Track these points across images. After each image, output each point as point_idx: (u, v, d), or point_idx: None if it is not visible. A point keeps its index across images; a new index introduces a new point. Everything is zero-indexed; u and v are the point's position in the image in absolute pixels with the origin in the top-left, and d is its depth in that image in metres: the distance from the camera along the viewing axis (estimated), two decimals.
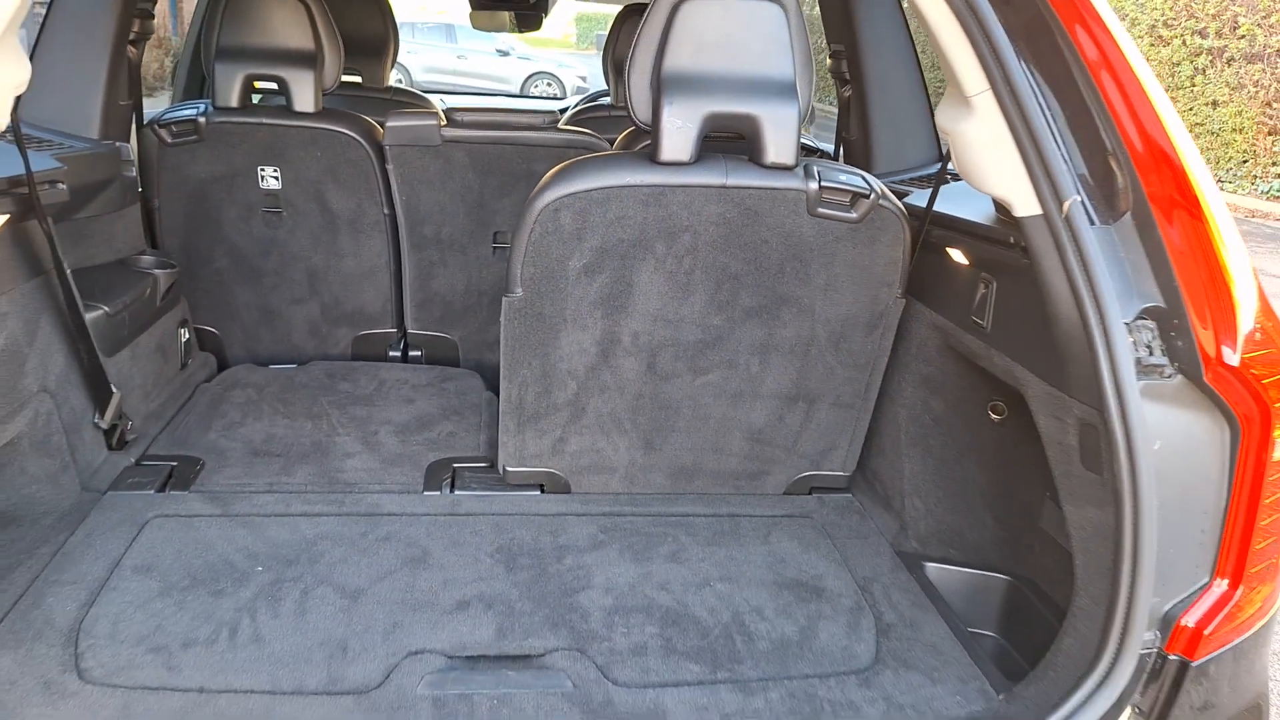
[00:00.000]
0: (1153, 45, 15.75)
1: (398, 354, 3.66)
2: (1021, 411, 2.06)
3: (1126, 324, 1.70)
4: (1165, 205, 1.74)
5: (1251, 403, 1.69)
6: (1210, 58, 14.77)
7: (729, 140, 2.34)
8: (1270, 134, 14.03)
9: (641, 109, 2.29)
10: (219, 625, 2.05)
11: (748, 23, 2.23)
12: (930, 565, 2.44)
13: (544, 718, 1.85)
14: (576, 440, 2.63)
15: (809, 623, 2.18)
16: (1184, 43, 15.12)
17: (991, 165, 1.91)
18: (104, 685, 1.85)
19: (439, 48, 20.08)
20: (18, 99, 1.94)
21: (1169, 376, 1.71)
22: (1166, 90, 13.00)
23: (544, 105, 6.85)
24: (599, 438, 2.62)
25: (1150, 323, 1.72)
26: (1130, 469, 1.67)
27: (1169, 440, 1.70)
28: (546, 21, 5.54)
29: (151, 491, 2.56)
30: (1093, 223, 1.76)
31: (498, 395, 2.66)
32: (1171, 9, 15.38)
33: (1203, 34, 14.78)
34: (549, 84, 20.83)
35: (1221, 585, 1.78)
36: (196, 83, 4.44)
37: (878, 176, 3.09)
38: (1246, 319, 1.69)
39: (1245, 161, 14.48)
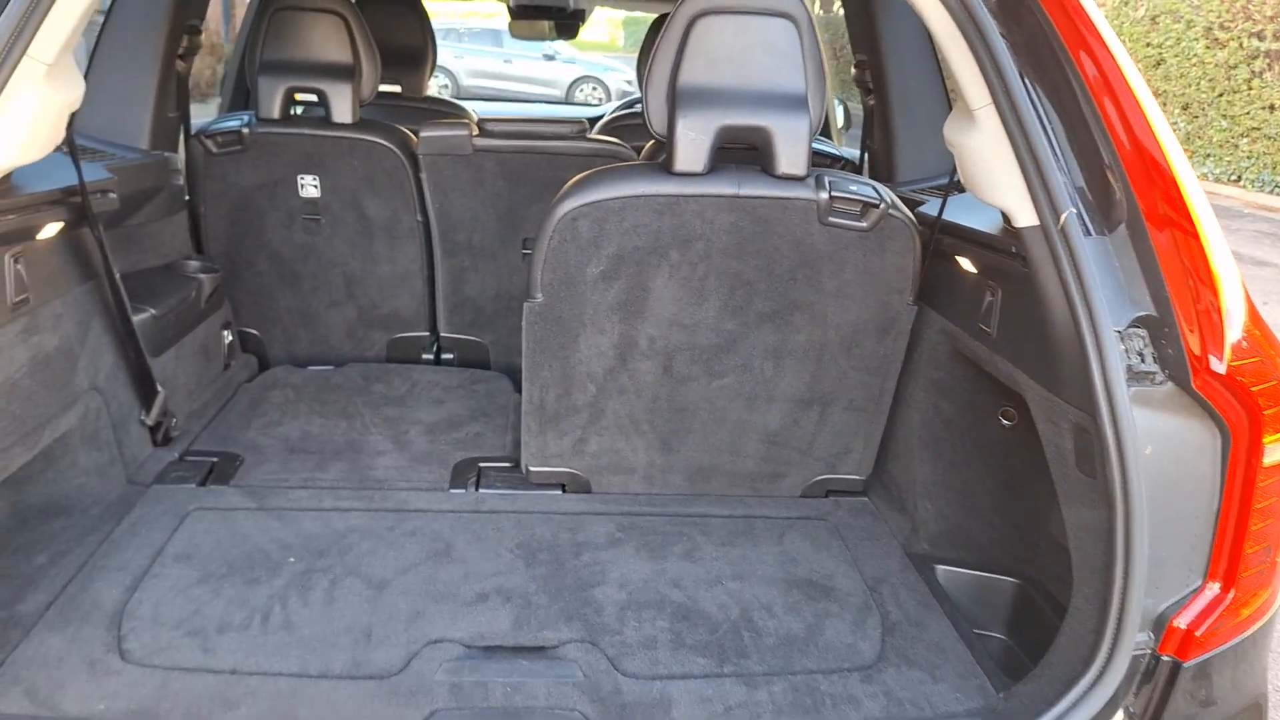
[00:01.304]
0: (1208, 48, 15.53)
1: (430, 357, 3.77)
2: (1031, 417, 2.12)
3: (1118, 331, 1.76)
4: (1158, 218, 1.78)
5: (1240, 410, 1.73)
6: (1268, 61, 14.52)
7: (742, 150, 2.41)
8: None
9: (658, 121, 2.38)
10: (252, 611, 2.16)
11: (760, 38, 2.31)
12: (940, 567, 2.49)
13: (555, 705, 1.93)
14: (596, 441, 2.71)
15: (816, 620, 2.25)
16: (1240, 45, 14.88)
17: (993, 177, 1.98)
18: (144, 665, 1.96)
19: (485, 53, 20.22)
20: (72, 115, 2.08)
21: (1160, 383, 1.75)
22: (1222, 94, 12.86)
23: (584, 110, 6.95)
24: (618, 439, 2.71)
25: (1142, 331, 1.77)
26: (1121, 472, 1.72)
27: (1160, 445, 1.75)
28: (593, 25, 5.64)
29: (193, 485, 2.69)
30: (1088, 234, 1.81)
31: None
32: (1228, 11, 15.15)
33: (1260, 36, 14.53)
34: (594, 88, 20.92)
35: (1214, 588, 1.82)
36: (243, 94, 4.59)
37: (899, 185, 3.16)
38: (1234, 328, 1.73)
39: None
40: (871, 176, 3.46)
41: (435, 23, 4.72)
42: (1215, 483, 1.78)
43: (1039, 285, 1.90)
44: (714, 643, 2.15)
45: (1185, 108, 16.47)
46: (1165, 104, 16.88)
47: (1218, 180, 15.74)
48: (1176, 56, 16.31)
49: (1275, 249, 11.57)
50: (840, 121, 4.91)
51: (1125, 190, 1.82)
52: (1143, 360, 1.76)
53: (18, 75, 1.82)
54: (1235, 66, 15.05)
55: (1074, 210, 1.81)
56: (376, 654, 2.05)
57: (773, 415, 2.69)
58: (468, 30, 20.31)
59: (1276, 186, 14.69)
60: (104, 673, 1.94)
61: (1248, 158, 15.30)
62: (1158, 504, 1.75)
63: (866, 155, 3.50)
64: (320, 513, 2.58)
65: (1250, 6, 14.69)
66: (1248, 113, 15.15)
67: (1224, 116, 15.66)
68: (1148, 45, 16.92)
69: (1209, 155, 16.05)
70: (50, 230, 2.36)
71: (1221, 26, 15.25)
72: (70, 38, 1.90)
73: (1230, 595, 1.81)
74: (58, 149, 2.13)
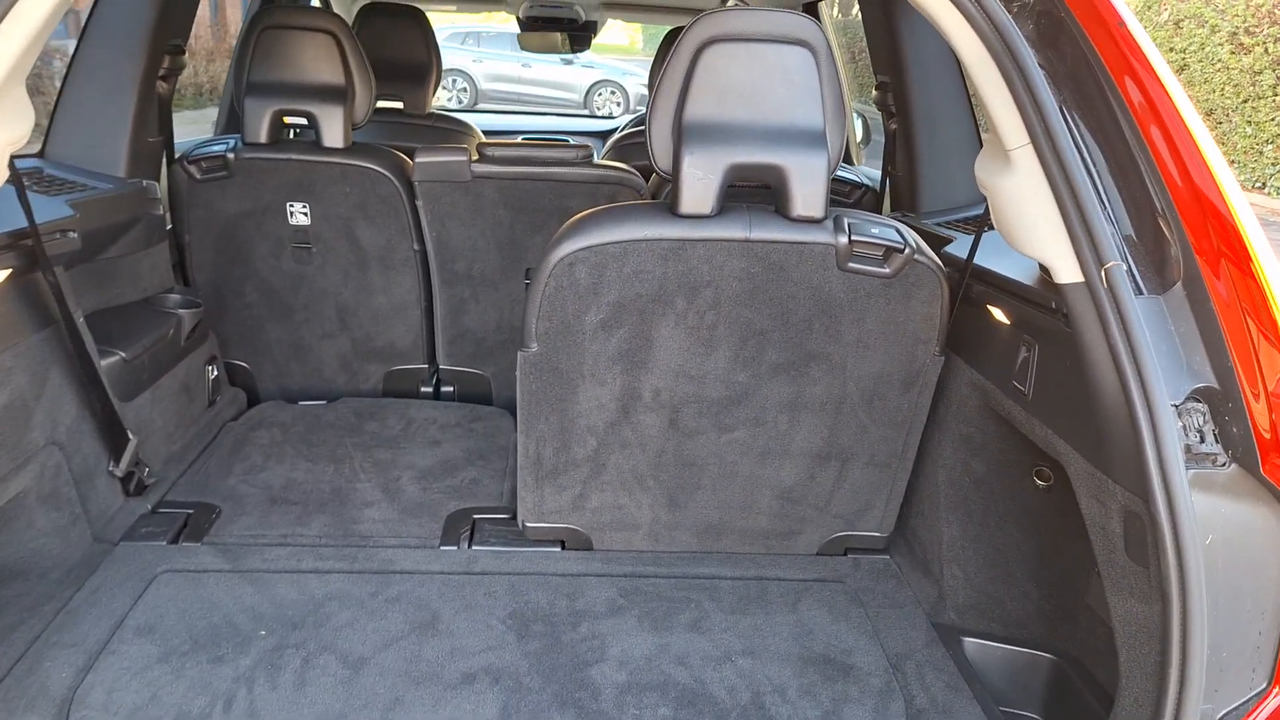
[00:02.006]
0: (1233, 53, 15.29)
1: (430, 390, 3.59)
2: (1068, 478, 1.91)
3: (1175, 406, 1.55)
4: (1220, 275, 1.58)
5: None
6: None
7: (754, 189, 2.22)
8: None
9: (662, 157, 2.18)
10: (214, 697, 1.98)
11: (774, 68, 2.11)
12: (969, 640, 2.29)
13: None
14: (598, 496, 2.52)
15: (833, 706, 2.05)
16: (1266, 50, 14.64)
17: (1031, 226, 1.77)
18: None
19: (504, 57, 20.09)
20: (24, 153, 1.89)
21: (1222, 465, 1.55)
22: (1246, 100, 12.63)
23: (597, 124, 6.78)
24: (621, 494, 2.52)
25: (1202, 405, 1.57)
26: (1179, 565, 1.52)
27: (1222, 534, 1.55)
28: (612, 29, 5.49)
29: (164, 543, 2.51)
30: (1140, 292, 1.61)
31: None
32: (1253, 15, 14.90)
33: None
34: (613, 92, 20.73)
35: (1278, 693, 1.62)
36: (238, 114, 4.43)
37: (923, 215, 2.96)
38: None
39: None
40: (893, 205, 3.26)
41: (454, 27, 4.54)
42: None
43: (1083, 349, 1.70)
44: None
45: (1209, 114, 16.22)
46: None
47: (1241, 188, 15.48)
48: (1201, 62, 16.07)
49: None
50: (859, 135, 4.69)
51: (1181, 242, 1.62)
52: (1202, 440, 1.56)
53: None
54: (1260, 72, 14.79)
55: (1123, 266, 1.60)
56: None
57: (787, 471, 2.49)
58: (487, 34, 20.17)
59: None
60: None
61: (1272, 164, 15.07)
62: (1219, 598, 1.55)
63: (889, 184, 3.29)
64: (298, 575, 2.40)
65: (1276, 11, 14.42)
66: (1273, 119, 14.91)
67: (1248, 123, 15.42)
68: (1171, 50, 16.67)
69: (1233, 162, 15.80)
70: None
71: (1247, 31, 15.00)
72: (12, 71, 1.71)
73: None
74: (9, 183, 1.95)
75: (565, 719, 1.97)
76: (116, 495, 2.63)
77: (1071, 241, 1.66)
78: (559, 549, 2.59)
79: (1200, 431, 1.57)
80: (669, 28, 5.01)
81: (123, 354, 2.64)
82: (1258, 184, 15.32)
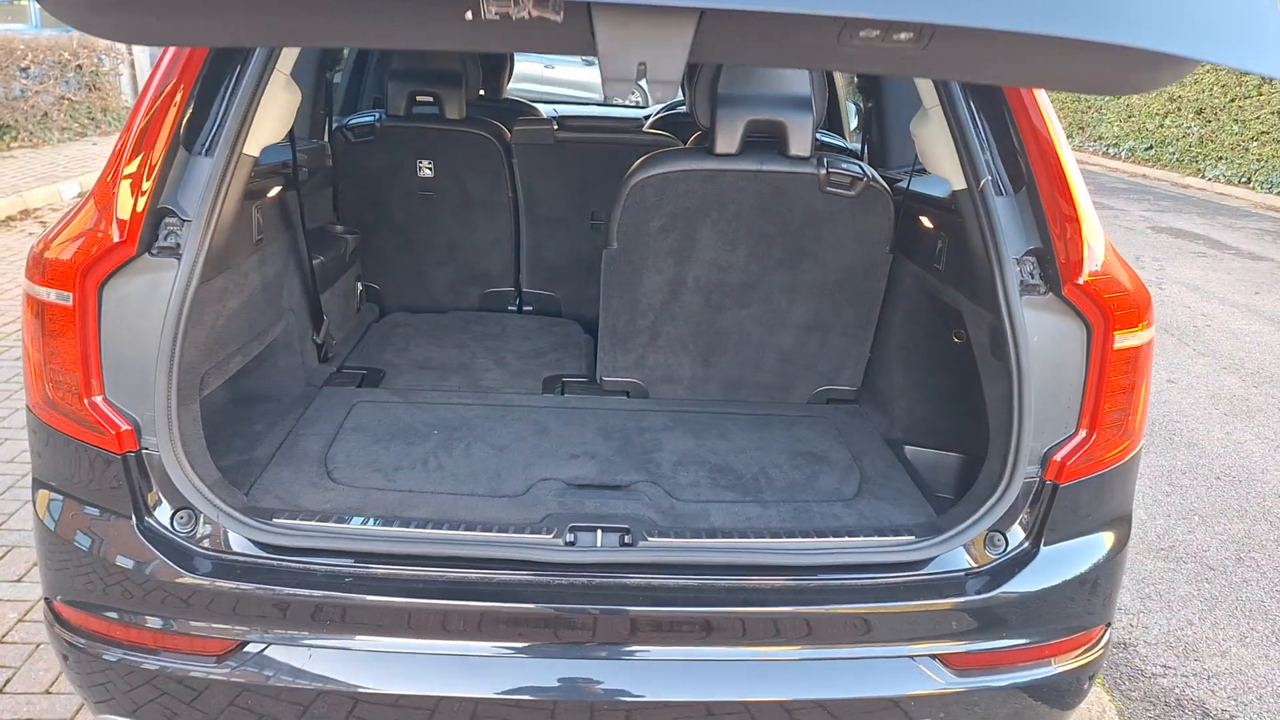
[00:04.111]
0: None
1: (514, 307, 4.69)
2: (966, 325, 2.97)
3: (1016, 259, 2.60)
4: (1046, 184, 2.63)
5: (1098, 310, 2.57)
6: None
7: (764, 138, 3.29)
8: None
9: (703, 115, 3.27)
10: (414, 459, 3.06)
11: None
12: (907, 447, 3.36)
13: (630, 512, 2.82)
14: (654, 357, 3.60)
15: (813, 474, 3.13)
16: None
17: (938, 155, 2.85)
18: (348, 486, 2.87)
19: (527, 57, 21.04)
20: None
21: (1043, 293, 2.59)
22: (1234, 99, 13.47)
23: (634, 113, 7.90)
24: (669, 356, 3.60)
25: (1032, 258, 2.61)
26: (1016, 355, 2.56)
27: (1043, 336, 2.58)
28: None
29: (353, 387, 3.60)
30: (1000, 193, 2.66)
31: (592, 336, 3.63)
32: None
33: None
34: (633, 92, 21.73)
35: (1083, 434, 2.65)
36: (352, 98, 5.56)
37: (892, 169, 4.04)
38: (1093, 257, 2.57)
39: None
40: (870, 164, 4.33)
41: None
42: (1083, 362, 2.59)
43: (966, 230, 2.76)
44: (739, 484, 3.03)
45: (1199, 112, 17.11)
46: (1180, 108, 17.56)
47: (1229, 182, 16.33)
48: None
49: (1275, 245, 12.30)
50: (855, 123, 5.78)
51: (1026, 165, 2.66)
52: (1032, 277, 2.60)
53: (272, 80, 2.71)
54: (1246, 72, 15.59)
55: (990, 178, 2.66)
56: (505, 484, 2.94)
57: (786, 339, 3.57)
58: None
59: None
60: (323, 489, 2.84)
61: (1257, 160, 15.90)
62: (1043, 377, 2.57)
63: (866, 147, 4.37)
64: (449, 405, 3.49)
65: None
66: (1258, 117, 15.79)
67: (1235, 121, 16.27)
68: None
69: (1221, 158, 16.66)
70: (274, 191, 3.28)
71: None
72: (295, 54, 2.80)
73: (1094, 438, 2.63)
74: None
75: (639, 475, 3.05)
76: (314, 358, 3.73)
77: (960, 164, 2.73)
78: (625, 396, 3.67)
79: (1031, 273, 2.60)
80: None
81: (322, 257, 3.74)
82: (1243, 179, 16.16)
